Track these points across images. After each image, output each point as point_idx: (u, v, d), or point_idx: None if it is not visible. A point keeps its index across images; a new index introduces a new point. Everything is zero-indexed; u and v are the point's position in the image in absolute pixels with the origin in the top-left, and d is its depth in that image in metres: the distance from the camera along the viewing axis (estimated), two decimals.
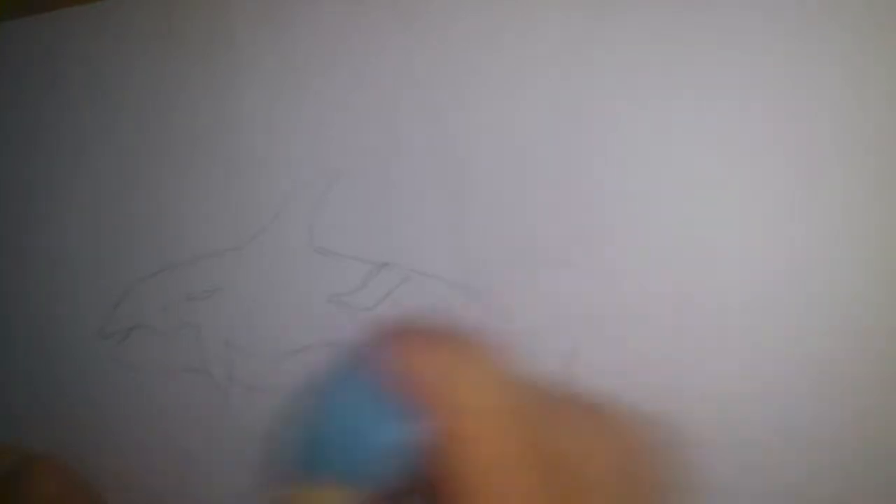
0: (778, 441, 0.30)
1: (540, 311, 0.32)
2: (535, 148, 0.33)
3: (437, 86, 0.34)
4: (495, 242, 0.33)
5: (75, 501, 0.33)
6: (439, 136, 0.34)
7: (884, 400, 0.30)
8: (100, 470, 0.37)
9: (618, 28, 0.32)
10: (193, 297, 0.36)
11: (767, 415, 0.30)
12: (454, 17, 0.34)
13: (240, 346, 0.35)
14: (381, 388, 0.15)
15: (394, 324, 0.17)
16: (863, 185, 0.30)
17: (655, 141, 0.31)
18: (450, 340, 0.16)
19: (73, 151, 0.38)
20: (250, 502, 0.35)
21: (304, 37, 0.36)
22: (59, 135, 0.39)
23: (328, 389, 0.16)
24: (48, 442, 0.38)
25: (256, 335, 0.35)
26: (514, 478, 0.15)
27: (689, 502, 0.20)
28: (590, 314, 0.32)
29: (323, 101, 0.35)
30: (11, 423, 0.39)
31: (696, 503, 0.20)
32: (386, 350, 0.16)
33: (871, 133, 0.30)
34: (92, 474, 0.37)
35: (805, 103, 0.30)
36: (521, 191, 0.33)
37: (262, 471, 0.19)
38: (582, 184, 0.32)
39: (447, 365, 0.15)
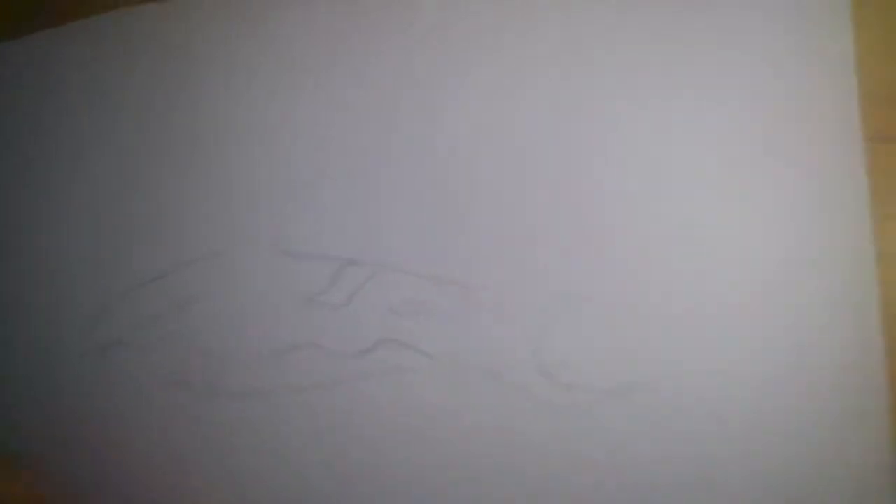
0: (775, 438, 0.31)
1: (510, 300, 0.33)
2: (533, 147, 0.33)
3: (431, 85, 0.34)
4: (467, 235, 0.33)
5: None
6: (404, 130, 0.34)
7: (886, 398, 0.30)
8: (82, 487, 0.37)
9: (618, 28, 0.32)
10: (169, 309, 0.36)
11: (767, 413, 0.31)
12: (452, 17, 0.34)
13: (216, 354, 0.35)
14: None
15: None
16: (863, 185, 0.31)
17: (655, 141, 0.32)
18: None
19: (43, 170, 0.38)
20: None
21: (263, 36, 0.36)
22: (27, 153, 0.38)
23: None
24: (29, 461, 0.37)
25: (234, 342, 0.35)
26: None
27: None
28: (571, 304, 0.32)
29: (286, 103, 0.36)
30: None
31: None
32: None
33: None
34: (73, 493, 0.37)
35: (805, 103, 0.31)
36: (520, 190, 0.33)
37: None
38: (581, 183, 0.33)
39: None
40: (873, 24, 0.32)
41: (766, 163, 0.31)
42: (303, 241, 0.35)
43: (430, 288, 0.34)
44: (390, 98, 0.34)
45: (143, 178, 0.37)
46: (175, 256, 0.36)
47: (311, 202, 0.35)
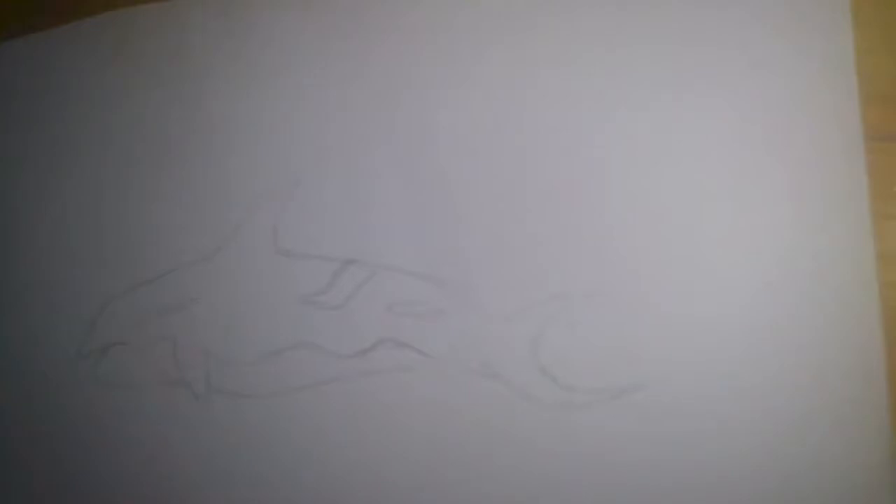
0: (775, 439, 0.31)
1: (510, 299, 0.33)
2: (533, 147, 0.33)
3: (430, 84, 0.34)
4: (465, 234, 0.33)
5: None
6: (401, 129, 0.34)
7: (886, 399, 0.30)
8: (81, 490, 0.37)
9: (618, 28, 0.32)
10: (167, 309, 0.36)
11: (768, 415, 0.31)
12: (452, 17, 0.34)
13: (215, 354, 0.35)
14: None
15: None
16: (863, 185, 0.31)
17: (655, 141, 0.32)
18: None
19: (41, 171, 0.38)
20: None
21: (260, 36, 0.36)
22: (25, 154, 0.39)
23: None
24: (26, 464, 0.38)
25: (232, 342, 0.35)
26: None
27: None
28: (572, 304, 0.32)
29: (284, 102, 0.36)
30: None
31: None
32: None
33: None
34: (72, 495, 0.37)
35: (807, 105, 0.31)
36: (520, 190, 0.33)
37: None
38: (581, 183, 0.33)
39: None
40: (873, 22, 0.32)
41: (765, 162, 0.31)
42: (301, 242, 0.35)
43: (429, 288, 0.34)
44: (390, 98, 0.34)
45: (142, 178, 0.37)
46: (174, 257, 0.36)
47: (310, 202, 0.35)
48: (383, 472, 0.34)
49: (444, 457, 0.33)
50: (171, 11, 0.37)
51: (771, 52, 0.31)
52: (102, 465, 0.37)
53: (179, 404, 0.36)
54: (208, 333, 0.36)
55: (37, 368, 0.38)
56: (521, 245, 0.33)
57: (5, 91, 0.39)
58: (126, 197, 0.37)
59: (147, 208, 0.37)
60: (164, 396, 0.36)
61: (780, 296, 0.31)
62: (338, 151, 0.35)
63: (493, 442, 0.33)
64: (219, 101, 0.36)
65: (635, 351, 0.32)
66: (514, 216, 0.33)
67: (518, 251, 0.33)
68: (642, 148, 0.32)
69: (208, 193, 0.36)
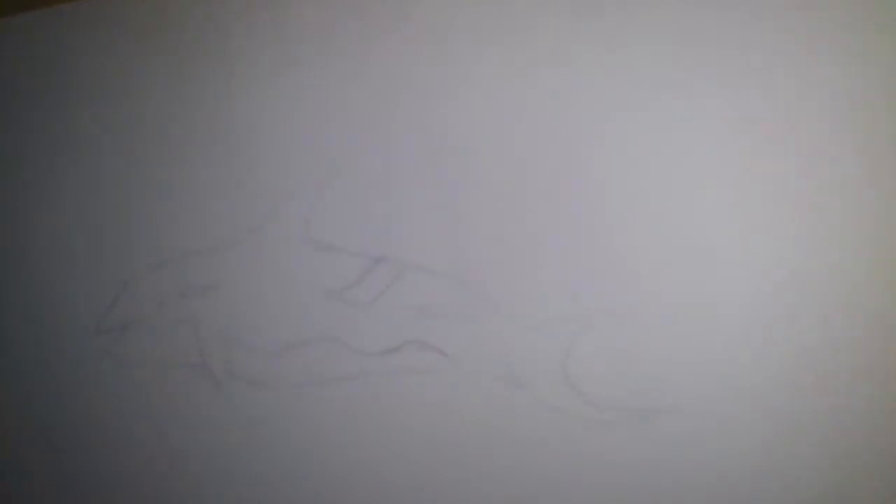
0: (775, 435, 0.31)
1: (537, 307, 0.33)
2: (535, 147, 0.33)
3: (435, 85, 0.35)
4: (492, 238, 0.34)
5: None
6: (436, 133, 0.35)
7: (885, 393, 0.30)
8: (95, 465, 0.38)
9: (617, 28, 0.32)
10: (191, 292, 0.37)
11: (766, 411, 0.31)
12: (455, 18, 0.34)
13: (238, 341, 0.36)
14: None
15: None
16: (863, 184, 0.31)
17: (655, 141, 0.32)
18: None
19: (69, 150, 0.39)
20: (248, 494, 0.37)
21: (303, 34, 0.36)
22: (55, 133, 0.39)
23: None
24: (42, 438, 0.39)
25: (255, 330, 0.36)
26: None
27: None
28: (588, 311, 0.33)
29: (321, 99, 0.36)
30: (6, 421, 0.40)
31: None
32: None
33: (872, 132, 0.30)
34: (87, 470, 0.38)
35: (806, 103, 0.31)
36: (521, 188, 0.34)
37: None
38: (581, 182, 0.33)
39: None
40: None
41: (765, 163, 0.31)
42: (332, 234, 0.35)
43: (460, 292, 0.34)
44: (435, 97, 0.35)
45: (175, 162, 0.38)
46: (201, 241, 0.37)
47: (342, 196, 0.35)
48: (399, 468, 0.35)
49: (459, 457, 0.34)
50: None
51: (774, 53, 0.31)
52: (114, 436, 0.38)
53: (198, 386, 0.37)
54: (232, 319, 0.36)
55: (54, 341, 0.39)
56: (557, 261, 0.33)
57: (18, 67, 0.40)
58: (162, 176, 0.38)
59: (176, 189, 0.38)
60: (183, 377, 0.37)
61: (780, 296, 0.31)
62: (373, 151, 0.35)
63: (513, 447, 0.34)
64: (254, 93, 0.37)
65: (660, 366, 0.32)
66: (550, 231, 0.33)
67: (553, 267, 0.33)
68: (643, 149, 0.32)
69: (239, 179, 0.37)
